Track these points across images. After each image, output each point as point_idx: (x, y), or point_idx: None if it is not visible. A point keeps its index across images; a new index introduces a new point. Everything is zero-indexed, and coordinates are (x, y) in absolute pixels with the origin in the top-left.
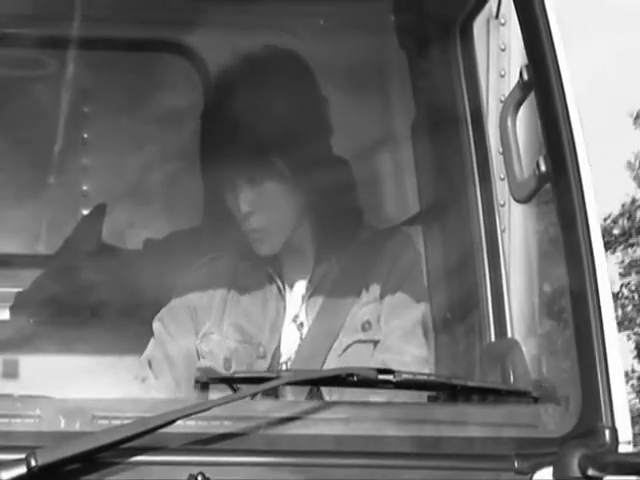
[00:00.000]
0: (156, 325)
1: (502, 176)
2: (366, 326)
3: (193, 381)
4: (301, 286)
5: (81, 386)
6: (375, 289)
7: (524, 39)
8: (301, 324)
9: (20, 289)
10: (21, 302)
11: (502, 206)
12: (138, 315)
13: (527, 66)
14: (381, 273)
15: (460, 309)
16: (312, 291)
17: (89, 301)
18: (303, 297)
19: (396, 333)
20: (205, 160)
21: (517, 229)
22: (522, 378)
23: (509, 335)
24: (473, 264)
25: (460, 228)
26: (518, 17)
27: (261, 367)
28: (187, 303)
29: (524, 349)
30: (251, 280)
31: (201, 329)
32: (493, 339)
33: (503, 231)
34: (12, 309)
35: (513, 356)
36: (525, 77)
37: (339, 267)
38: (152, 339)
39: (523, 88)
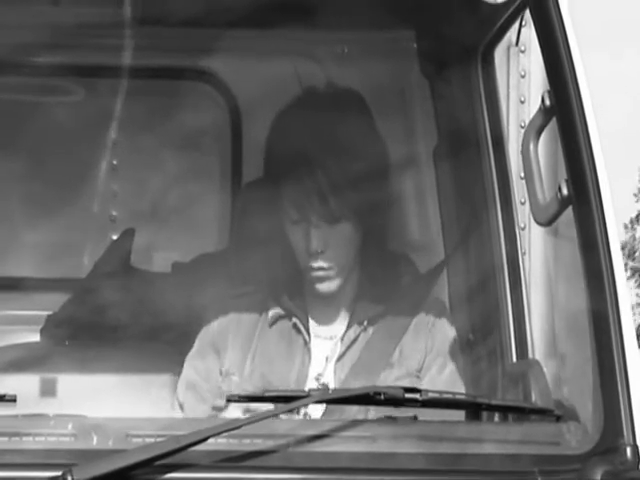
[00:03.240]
0: (187, 367)
1: (522, 200)
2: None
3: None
4: (327, 345)
5: (112, 404)
6: (411, 363)
7: (545, 65)
8: (325, 386)
9: (50, 312)
10: (51, 325)
11: (522, 229)
12: (165, 336)
13: (549, 92)
14: (418, 348)
15: (482, 331)
16: (341, 353)
17: (118, 323)
18: (328, 358)
19: None
20: (269, 193)
21: (537, 252)
22: (544, 397)
23: (530, 356)
24: (495, 286)
25: (482, 251)
26: (539, 43)
27: None
28: (214, 344)
29: (545, 369)
30: (278, 329)
31: (224, 367)
32: (515, 360)
33: (524, 254)
34: (42, 332)
35: (534, 376)
36: (547, 103)
37: (372, 331)
38: (181, 381)
39: (545, 113)
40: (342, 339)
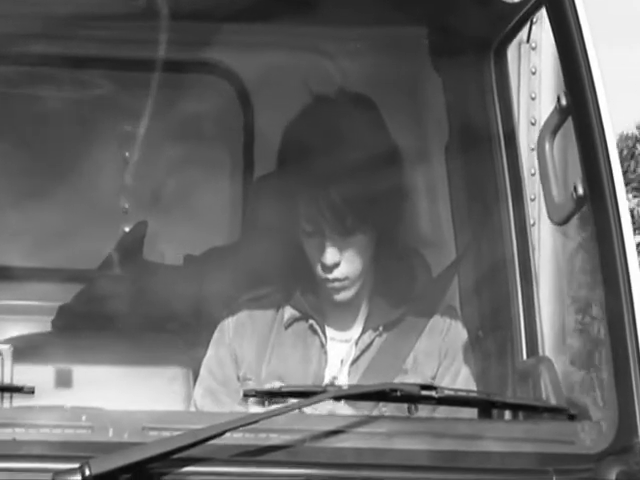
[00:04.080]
0: (203, 372)
1: (532, 197)
2: (412, 409)
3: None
4: (342, 348)
5: (122, 396)
6: (425, 370)
7: (562, 65)
8: None
9: (61, 303)
10: (63, 316)
11: (532, 226)
12: (176, 329)
13: (565, 92)
14: (433, 354)
15: (493, 327)
16: (355, 356)
17: (129, 315)
18: (343, 361)
19: None
20: (283, 188)
21: (546, 248)
22: (556, 395)
23: (540, 353)
24: (506, 283)
25: (493, 247)
26: (556, 43)
27: None
28: (230, 350)
29: (556, 367)
30: (294, 330)
31: (240, 372)
32: (525, 357)
33: (533, 250)
34: (54, 322)
35: (546, 373)
36: (563, 102)
37: (386, 335)
38: (198, 386)
39: (561, 113)
40: (357, 343)
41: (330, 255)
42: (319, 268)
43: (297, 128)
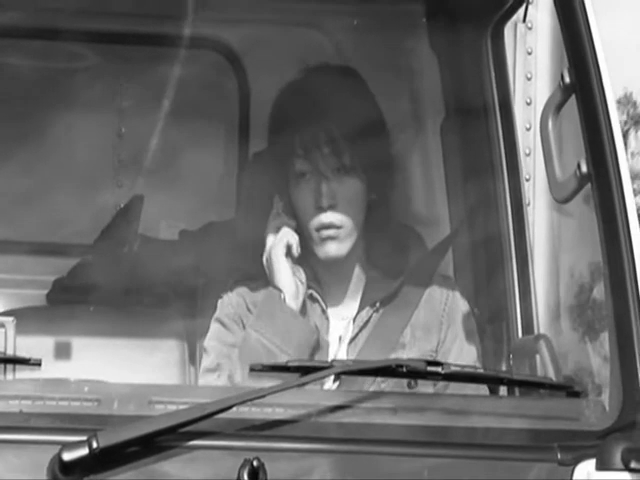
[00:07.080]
0: (208, 352)
1: (527, 177)
2: (412, 383)
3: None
4: (340, 325)
5: (117, 369)
6: (424, 345)
7: (565, 41)
8: None
9: (57, 277)
10: (58, 289)
11: (527, 205)
12: (171, 303)
13: (569, 69)
14: (432, 329)
15: (488, 306)
16: (353, 334)
17: (125, 289)
18: (341, 338)
19: None
20: (274, 150)
21: (541, 228)
22: (556, 373)
23: (536, 331)
24: (501, 261)
25: (488, 226)
26: (559, 19)
27: None
28: (230, 328)
29: (554, 344)
30: None
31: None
32: (520, 335)
33: (528, 229)
34: (49, 296)
35: (544, 351)
36: (567, 80)
37: (383, 311)
38: (204, 367)
39: (564, 90)
40: (354, 320)
41: (326, 195)
42: (313, 215)
43: (294, 83)
